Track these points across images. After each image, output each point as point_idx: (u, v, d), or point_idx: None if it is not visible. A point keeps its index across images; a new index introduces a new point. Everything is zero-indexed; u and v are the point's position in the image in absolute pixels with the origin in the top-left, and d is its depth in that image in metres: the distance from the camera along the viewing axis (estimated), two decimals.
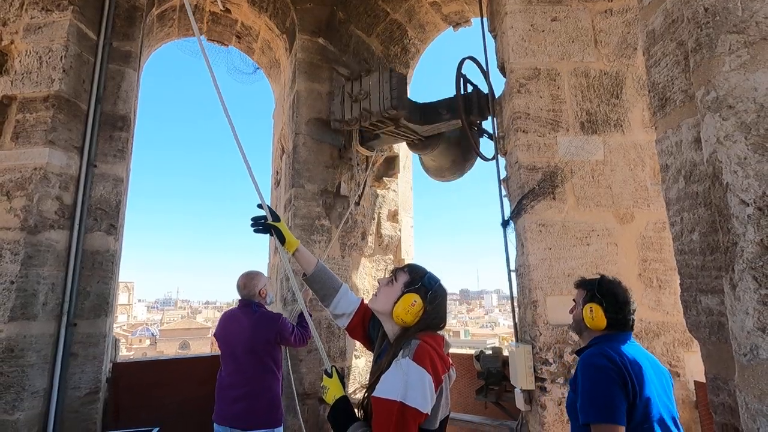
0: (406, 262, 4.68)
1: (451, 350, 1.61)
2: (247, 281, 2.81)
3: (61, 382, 2.68)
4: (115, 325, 3.58)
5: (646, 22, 1.48)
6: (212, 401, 2.87)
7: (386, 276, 1.51)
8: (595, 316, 1.58)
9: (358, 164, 4.43)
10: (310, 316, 2.96)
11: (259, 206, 1.68)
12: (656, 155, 1.91)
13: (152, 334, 47.75)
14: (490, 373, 3.05)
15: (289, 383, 3.50)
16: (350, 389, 3.84)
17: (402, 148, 4.95)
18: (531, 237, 2.61)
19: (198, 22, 4.66)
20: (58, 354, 2.70)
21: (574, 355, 2.43)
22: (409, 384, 1.17)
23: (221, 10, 4.51)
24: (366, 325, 1.65)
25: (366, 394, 1.31)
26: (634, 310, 1.62)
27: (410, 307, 1.34)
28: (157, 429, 2.62)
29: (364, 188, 4.36)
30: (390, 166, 5.01)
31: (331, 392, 1.33)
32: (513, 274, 2.87)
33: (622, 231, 2.66)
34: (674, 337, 2.54)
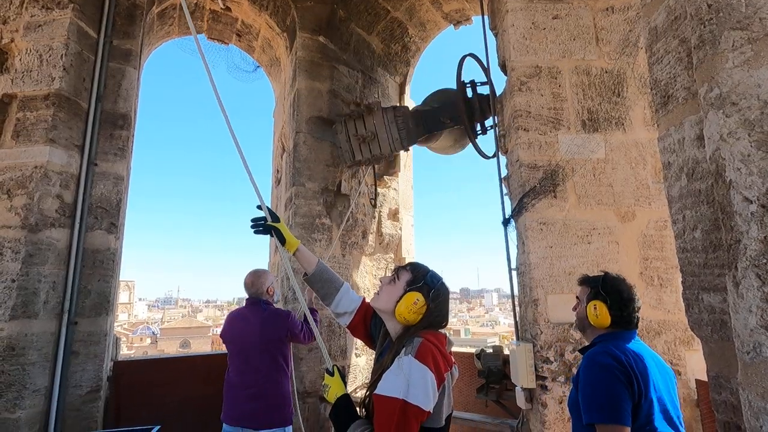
0: (407, 260, 4.68)
1: (452, 349, 1.61)
2: (255, 279, 2.80)
3: (62, 380, 2.68)
4: (116, 324, 3.58)
5: (648, 19, 1.47)
6: (213, 400, 2.86)
7: (388, 274, 1.51)
8: (599, 314, 1.55)
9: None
10: (317, 312, 2.98)
11: (259, 207, 1.68)
12: (658, 153, 1.91)
13: (153, 332, 47.82)
14: (491, 372, 3.05)
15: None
16: (351, 388, 3.85)
17: None
18: (532, 235, 2.61)
19: (198, 20, 4.65)
20: (59, 352, 2.70)
21: (576, 353, 2.43)
22: (411, 382, 1.17)
23: (221, 8, 4.51)
24: (367, 323, 1.65)
25: (368, 392, 1.30)
26: (639, 308, 1.59)
27: (413, 305, 1.34)
28: (158, 427, 2.61)
29: (376, 190, 4.30)
30: (391, 164, 5.01)
31: (333, 390, 1.33)
32: (514, 273, 2.87)
33: (623, 229, 2.66)
34: (675, 336, 2.54)
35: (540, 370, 2.49)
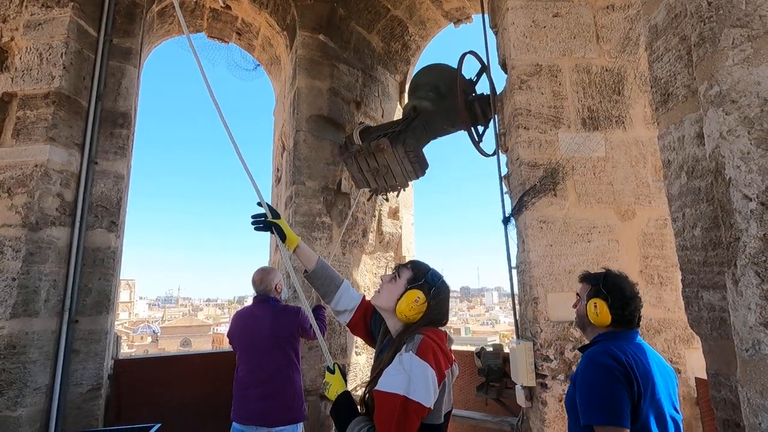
0: (407, 259, 4.68)
1: (453, 347, 1.61)
2: (264, 276, 2.80)
3: (63, 378, 2.69)
4: (116, 323, 3.59)
5: (648, 17, 1.47)
6: (214, 398, 2.87)
7: (389, 273, 1.51)
8: (600, 312, 1.51)
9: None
10: (324, 309, 2.98)
11: (259, 204, 1.68)
12: (658, 151, 1.90)
13: (154, 331, 47.89)
14: (490, 370, 3.05)
15: None
16: (351, 386, 3.85)
17: None
18: (532, 234, 2.61)
19: (198, 18, 4.65)
20: (59, 350, 2.70)
21: (576, 351, 2.43)
22: (412, 378, 1.17)
23: (222, 6, 4.50)
24: (368, 321, 1.66)
25: (368, 389, 1.31)
26: (641, 307, 1.55)
27: (414, 303, 1.34)
28: (159, 425, 2.62)
29: (399, 194, 4.18)
30: None
31: (334, 388, 1.33)
32: (514, 271, 2.87)
33: (623, 228, 2.66)
34: (675, 334, 2.54)
35: (540, 368, 2.50)
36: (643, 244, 2.64)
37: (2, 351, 2.48)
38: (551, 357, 2.49)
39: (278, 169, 4.82)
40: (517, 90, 2.79)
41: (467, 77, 3.58)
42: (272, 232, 1.66)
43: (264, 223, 1.66)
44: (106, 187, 3.10)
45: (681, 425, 1.44)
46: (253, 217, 1.68)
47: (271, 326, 2.62)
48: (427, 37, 5.09)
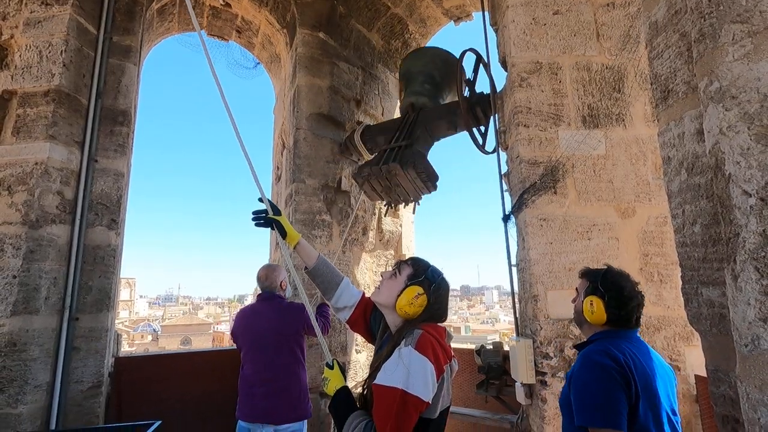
0: (407, 257, 4.67)
1: (453, 345, 1.61)
2: (269, 273, 2.80)
3: (63, 375, 2.69)
4: (117, 321, 3.59)
5: (648, 14, 1.47)
6: (214, 396, 2.87)
7: (389, 269, 1.52)
8: (595, 310, 1.46)
9: (359, 159, 4.42)
10: (328, 307, 2.97)
11: (260, 200, 1.68)
12: (658, 149, 1.90)
13: (154, 330, 47.95)
14: (490, 368, 3.06)
15: None
16: (351, 384, 3.86)
17: None
18: (532, 231, 2.61)
19: (198, 16, 4.64)
20: (60, 348, 2.71)
21: (575, 349, 2.43)
22: (411, 372, 1.18)
23: (221, 4, 4.50)
24: (367, 317, 1.66)
25: (367, 383, 1.31)
26: (641, 306, 1.49)
27: (414, 299, 1.35)
28: (159, 422, 2.62)
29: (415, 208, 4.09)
30: None
31: (333, 383, 1.34)
32: (514, 269, 2.87)
33: (623, 225, 2.66)
34: (675, 332, 2.54)
35: (540, 365, 2.50)
36: (643, 241, 2.64)
37: (3, 348, 2.48)
38: (551, 354, 2.49)
39: (278, 167, 4.82)
40: (518, 88, 2.78)
41: (465, 74, 3.58)
42: (273, 229, 1.66)
43: (265, 219, 1.66)
44: (107, 185, 3.11)
45: (679, 427, 1.40)
46: (254, 213, 1.68)
47: (276, 323, 2.62)
48: (427, 35, 5.08)
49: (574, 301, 1.64)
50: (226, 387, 3.29)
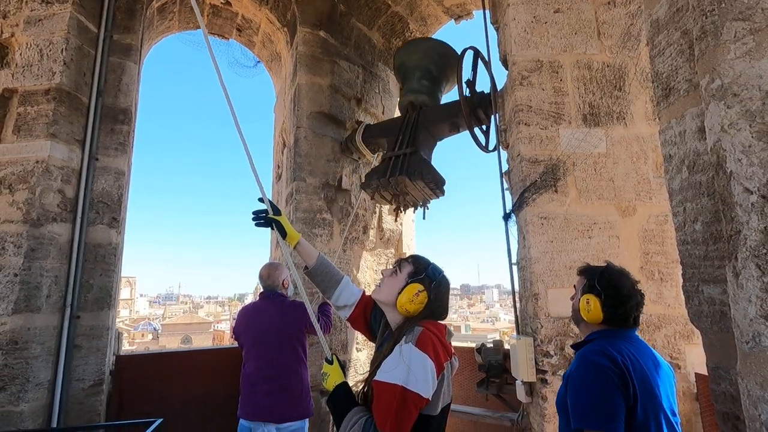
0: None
1: (453, 344, 1.62)
2: (271, 271, 2.80)
3: (65, 373, 2.70)
4: (117, 320, 3.59)
5: (650, 12, 1.47)
6: (215, 394, 2.87)
7: (389, 267, 1.52)
8: (592, 309, 1.42)
9: (360, 158, 4.42)
10: (330, 306, 2.98)
11: (260, 200, 1.69)
12: (659, 148, 1.90)
13: (154, 328, 48.00)
14: (491, 366, 3.06)
15: None
16: (351, 382, 3.86)
17: None
18: (533, 230, 2.61)
19: None
20: (61, 346, 2.71)
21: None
22: (411, 369, 1.18)
23: (222, 2, 4.49)
24: (368, 315, 1.67)
25: (367, 380, 1.31)
26: (640, 305, 1.45)
27: (414, 296, 1.35)
28: (160, 420, 2.63)
29: (425, 212, 4.15)
30: None
31: (332, 378, 1.34)
32: (514, 267, 2.88)
33: (624, 224, 2.66)
34: (675, 330, 2.55)
35: (540, 363, 2.50)
36: (644, 240, 2.65)
37: (4, 347, 2.49)
38: (552, 353, 2.50)
39: (279, 166, 4.82)
40: (518, 86, 2.78)
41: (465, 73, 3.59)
42: (273, 229, 1.66)
43: (265, 219, 1.66)
44: (107, 184, 3.11)
45: (679, 428, 1.37)
46: (254, 213, 1.68)
47: (279, 322, 2.62)
48: (427, 33, 5.08)
49: (572, 298, 1.60)
50: (228, 386, 3.29)
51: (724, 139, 0.96)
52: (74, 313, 2.79)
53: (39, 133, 2.79)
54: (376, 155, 4.24)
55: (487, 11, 3.32)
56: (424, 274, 1.40)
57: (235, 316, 2.97)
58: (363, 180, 3.83)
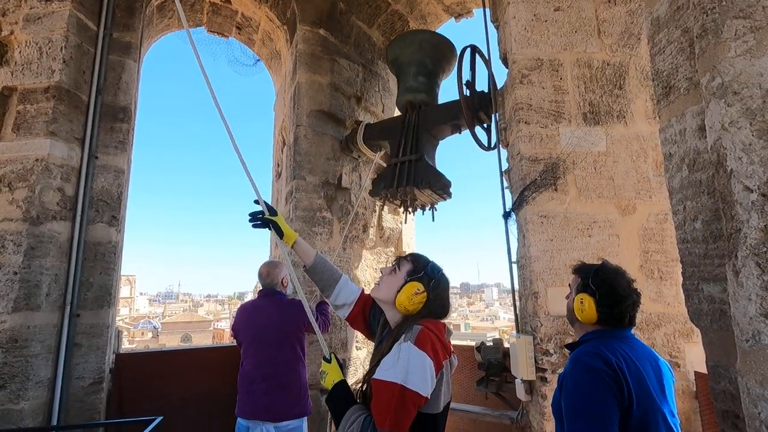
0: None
1: (453, 342, 1.62)
2: (271, 269, 2.80)
3: (64, 372, 2.70)
4: (117, 318, 3.59)
5: (650, 10, 1.47)
6: (215, 393, 2.87)
7: (389, 265, 1.52)
8: (585, 309, 1.39)
9: (360, 156, 4.42)
10: (328, 305, 2.98)
11: (256, 202, 1.69)
12: (658, 146, 1.90)
13: (154, 327, 48.04)
14: (490, 364, 3.07)
15: None
16: (351, 381, 3.86)
17: None
18: (533, 228, 2.61)
19: (198, 12, 4.63)
20: (61, 344, 2.71)
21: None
22: (409, 367, 1.18)
23: (221, 0, 4.48)
24: (366, 314, 1.67)
25: (366, 378, 1.32)
26: (636, 305, 1.42)
27: (413, 295, 1.35)
28: (161, 418, 2.63)
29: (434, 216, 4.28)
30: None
31: (330, 377, 1.34)
32: (514, 266, 2.88)
33: (623, 222, 2.66)
34: (675, 328, 2.55)
35: (540, 362, 2.51)
36: (644, 238, 2.65)
37: (4, 345, 2.49)
38: (551, 351, 2.50)
39: (278, 165, 4.82)
40: (518, 84, 2.78)
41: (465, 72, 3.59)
42: (270, 229, 1.67)
43: (261, 220, 1.67)
44: (107, 182, 3.10)
45: (678, 428, 1.34)
46: (250, 215, 1.69)
47: (278, 320, 2.61)
48: None
49: (567, 297, 1.58)
50: (228, 384, 3.29)
51: (725, 138, 0.96)
52: (74, 312, 2.79)
53: (38, 131, 2.78)
54: (378, 154, 4.24)
55: (488, 9, 3.31)
56: (423, 272, 1.40)
57: (235, 314, 2.97)
58: (371, 187, 3.92)
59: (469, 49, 3.49)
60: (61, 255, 2.79)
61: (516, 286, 2.87)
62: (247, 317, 2.73)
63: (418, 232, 5.50)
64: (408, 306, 1.35)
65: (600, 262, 1.50)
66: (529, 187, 2.66)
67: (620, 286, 1.41)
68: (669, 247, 2.61)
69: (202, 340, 42.02)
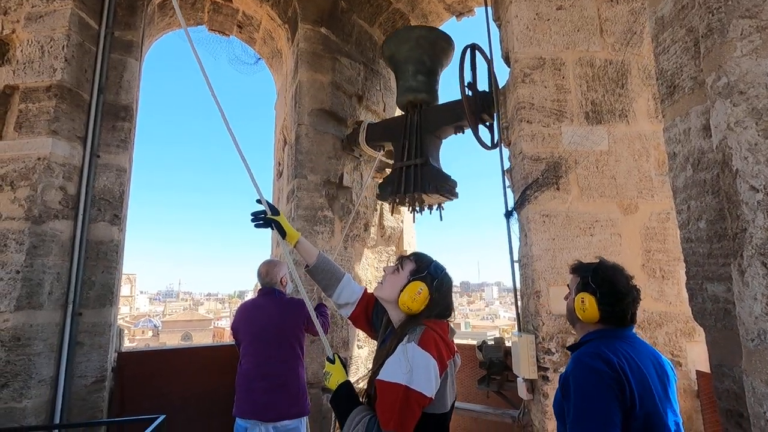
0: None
1: (454, 341, 1.62)
2: (270, 268, 2.80)
3: (67, 370, 2.70)
4: (118, 316, 3.60)
5: (654, 9, 1.47)
6: (216, 391, 2.86)
7: (391, 264, 1.52)
8: (587, 308, 1.37)
9: (361, 155, 4.42)
10: (326, 306, 2.98)
11: (258, 201, 1.69)
12: (661, 145, 1.90)
13: (155, 325, 48.10)
14: (492, 363, 3.07)
15: None
16: (353, 379, 3.87)
17: None
18: (534, 227, 2.61)
19: (199, 11, 4.62)
20: (64, 343, 2.72)
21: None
22: (414, 368, 1.18)
23: None
24: (369, 313, 1.67)
25: (370, 379, 1.32)
26: (637, 301, 1.41)
27: (416, 294, 1.35)
28: (163, 417, 2.64)
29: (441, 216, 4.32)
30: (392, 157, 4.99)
31: (334, 378, 1.34)
32: (516, 265, 2.88)
33: (626, 221, 2.66)
34: (677, 327, 2.55)
35: (541, 361, 2.51)
36: (646, 238, 2.65)
37: (7, 343, 2.49)
38: (553, 350, 2.50)
39: (280, 163, 4.82)
40: (521, 83, 2.78)
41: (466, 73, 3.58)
42: (272, 229, 1.67)
43: (264, 220, 1.66)
44: (109, 180, 3.10)
45: (681, 428, 1.33)
46: (252, 214, 1.69)
47: (277, 319, 2.61)
48: None
49: (566, 298, 1.56)
50: (228, 383, 3.28)
51: (730, 137, 0.96)
52: (76, 310, 2.79)
53: (40, 130, 2.78)
54: (380, 153, 4.23)
55: (489, 8, 3.31)
56: (426, 272, 1.40)
57: (235, 313, 2.97)
58: (378, 191, 3.98)
59: (470, 49, 3.48)
60: (63, 254, 2.79)
61: (518, 285, 2.87)
62: (247, 316, 2.73)
63: (419, 230, 5.51)
64: (411, 305, 1.35)
65: (597, 261, 1.49)
66: (531, 186, 2.66)
67: (620, 284, 1.41)
68: (671, 246, 2.61)
69: (202, 338, 42.06)
